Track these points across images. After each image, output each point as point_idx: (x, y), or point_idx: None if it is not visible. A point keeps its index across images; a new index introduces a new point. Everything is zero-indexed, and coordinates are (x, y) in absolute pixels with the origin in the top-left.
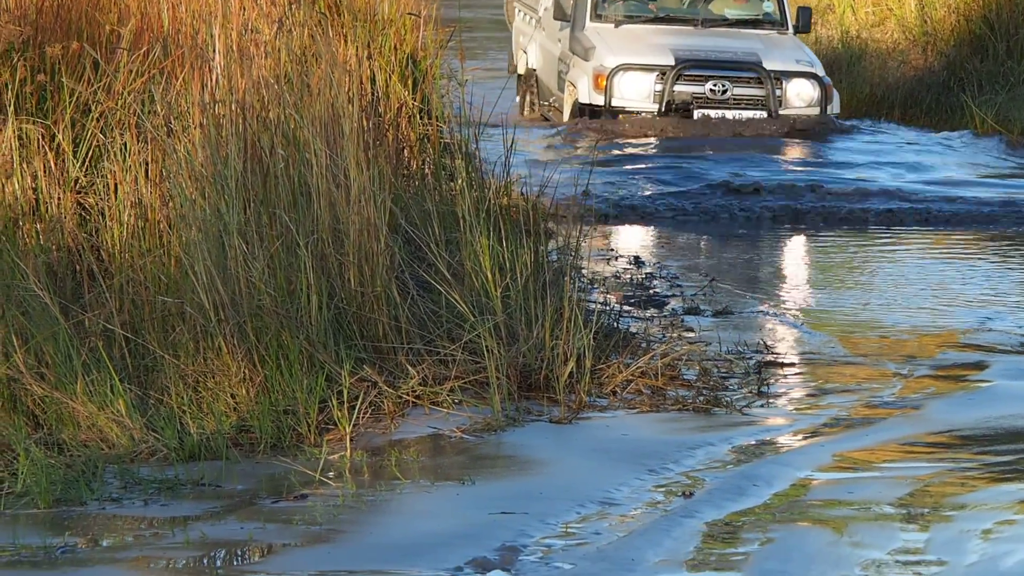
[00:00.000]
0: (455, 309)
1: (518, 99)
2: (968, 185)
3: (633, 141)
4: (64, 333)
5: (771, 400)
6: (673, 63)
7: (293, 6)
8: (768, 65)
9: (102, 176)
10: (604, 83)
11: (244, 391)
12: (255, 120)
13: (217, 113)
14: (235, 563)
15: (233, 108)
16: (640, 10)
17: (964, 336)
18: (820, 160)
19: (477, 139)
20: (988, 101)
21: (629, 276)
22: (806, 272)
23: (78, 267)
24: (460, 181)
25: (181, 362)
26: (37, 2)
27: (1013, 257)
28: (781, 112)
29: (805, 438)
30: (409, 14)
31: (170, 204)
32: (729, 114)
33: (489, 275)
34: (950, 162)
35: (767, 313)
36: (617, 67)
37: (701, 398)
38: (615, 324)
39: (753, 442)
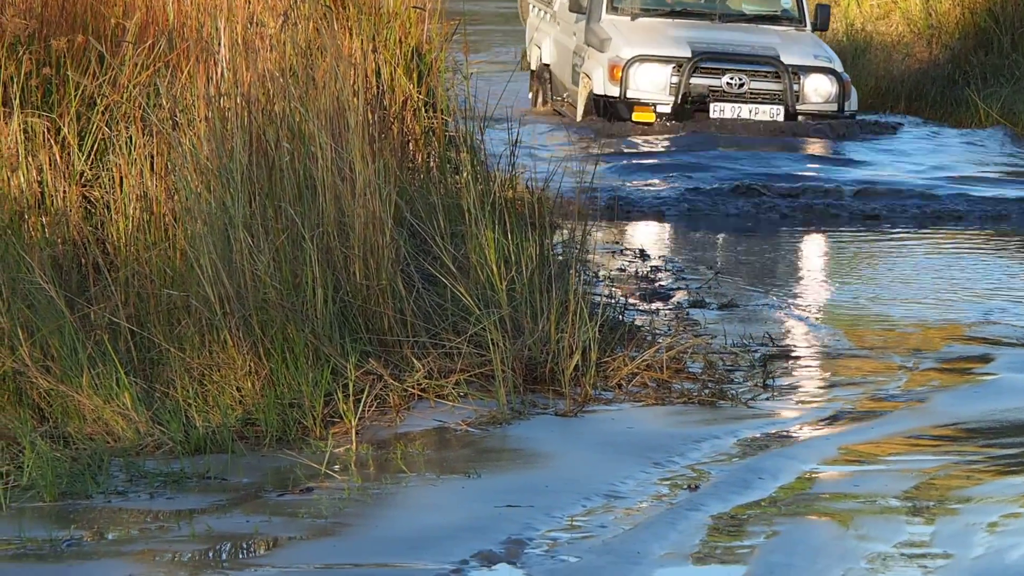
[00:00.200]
0: (460, 302)
1: (530, 95)
2: (978, 181)
3: (646, 137)
4: (70, 326)
5: (776, 393)
6: (690, 55)
7: None
8: (786, 59)
9: (107, 169)
10: (620, 74)
11: (250, 384)
12: (260, 113)
13: (222, 106)
14: (240, 556)
15: (238, 101)
16: (657, 3)
17: (970, 329)
18: (831, 157)
19: (483, 132)
20: (993, 94)
21: (635, 269)
22: (812, 266)
23: (83, 260)
24: (465, 174)
25: (186, 355)
26: None
27: (1021, 252)
28: (798, 107)
29: (811, 431)
30: (414, 7)
31: (175, 197)
32: (745, 109)
33: (494, 268)
34: (960, 158)
35: (773, 306)
36: (633, 58)
37: (706, 391)
38: (620, 317)
39: (758, 435)
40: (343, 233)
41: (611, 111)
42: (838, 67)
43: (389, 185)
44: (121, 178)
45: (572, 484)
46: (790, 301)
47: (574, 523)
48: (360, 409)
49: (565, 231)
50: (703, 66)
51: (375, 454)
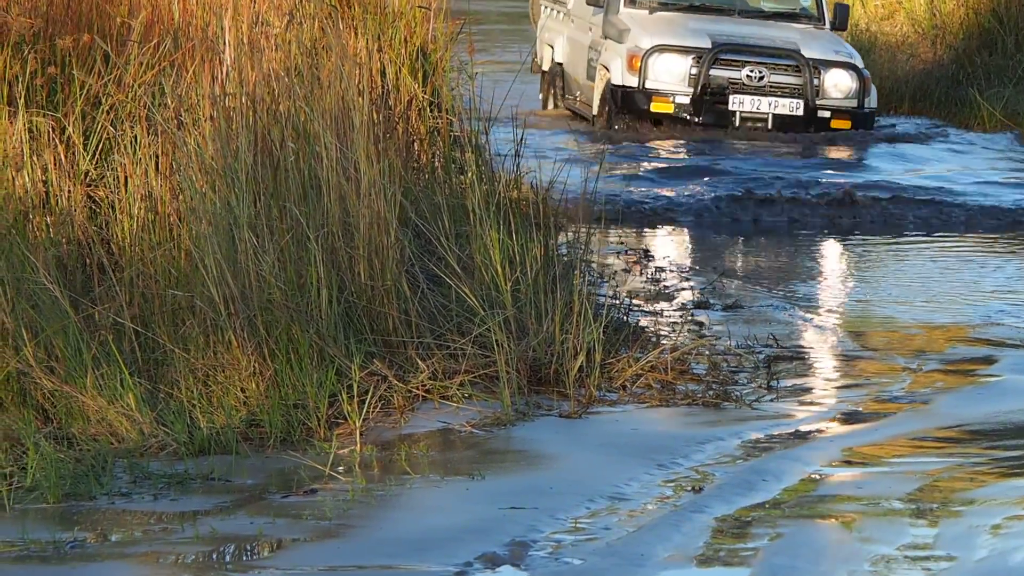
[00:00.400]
0: (465, 303)
1: (541, 96)
2: (981, 184)
3: (660, 137)
4: (74, 327)
5: (780, 395)
6: (710, 46)
7: None
8: (806, 53)
9: (112, 169)
10: (638, 64)
11: (254, 385)
12: (265, 113)
13: (227, 106)
14: (244, 558)
15: (243, 101)
16: None
17: (974, 331)
18: (842, 161)
19: (487, 132)
20: (996, 94)
21: (639, 270)
22: (817, 269)
23: (88, 260)
24: (470, 174)
25: (191, 356)
26: None
27: (1020, 252)
28: (818, 102)
29: (814, 433)
30: (419, 7)
31: (180, 197)
32: (765, 102)
33: (499, 269)
34: (965, 161)
35: (777, 308)
36: (652, 48)
37: (711, 392)
38: (625, 318)
39: (762, 437)
40: (348, 233)
41: (628, 102)
42: (859, 63)
43: (394, 185)
44: (126, 178)
45: (576, 486)
46: (794, 303)
47: (578, 525)
48: (364, 410)
49: (570, 232)
50: (723, 58)
51: (379, 455)
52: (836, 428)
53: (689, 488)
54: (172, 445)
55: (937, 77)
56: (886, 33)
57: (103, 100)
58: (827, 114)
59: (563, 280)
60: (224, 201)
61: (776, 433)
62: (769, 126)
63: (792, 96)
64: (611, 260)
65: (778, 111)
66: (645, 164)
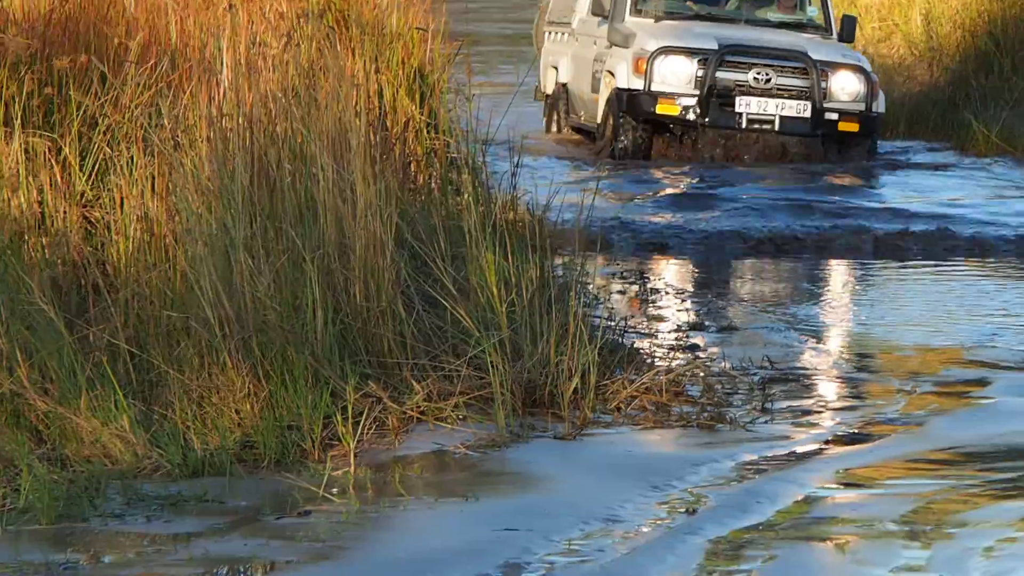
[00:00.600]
0: (460, 324)
1: (544, 121)
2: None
3: (664, 163)
4: (69, 348)
5: (775, 416)
6: (716, 48)
7: (301, 20)
8: (814, 55)
9: (108, 190)
10: (644, 67)
11: (248, 406)
12: (262, 134)
13: (224, 127)
14: None
15: (240, 122)
16: (681, 7)
17: (968, 353)
18: (842, 185)
19: (484, 153)
20: (993, 117)
21: (635, 292)
22: (812, 291)
23: (83, 281)
24: (466, 196)
25: (186, 377)
26: (45, 15)
27: (1018, 277)
28: (826, 104)
29: (809, 454)
30: (417, 28)
31: (176, 218)
32: (772, 104)
33: (494, 290)
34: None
35: (773, 329)
36: (658, 50)
37: (705, 414)
38: (620, 340)
39: (757, 458)
40: (344, 255)
41: (634, 105)
42: (867, 66)
43: (390, 207)
44: (122, 199)
45: (570, 508)
46: (790, 325)
47: (572, 547)
48: (359, 432)
49: (566, 255)
50: (729, 60)
51: (373, 477)
52: (830, 450)
53: (683, 510)
54: (166, 467)
55: (934, 100)
56: (883, 56)
57: (100, 121)
58: (835, 116)
59: (558, 302)
60: (220, 222)
61: (770, 455)
62: (776, 128)
63: (799, 98)
64: (607, 282)
65: (785, 113)
66: (646, 189)
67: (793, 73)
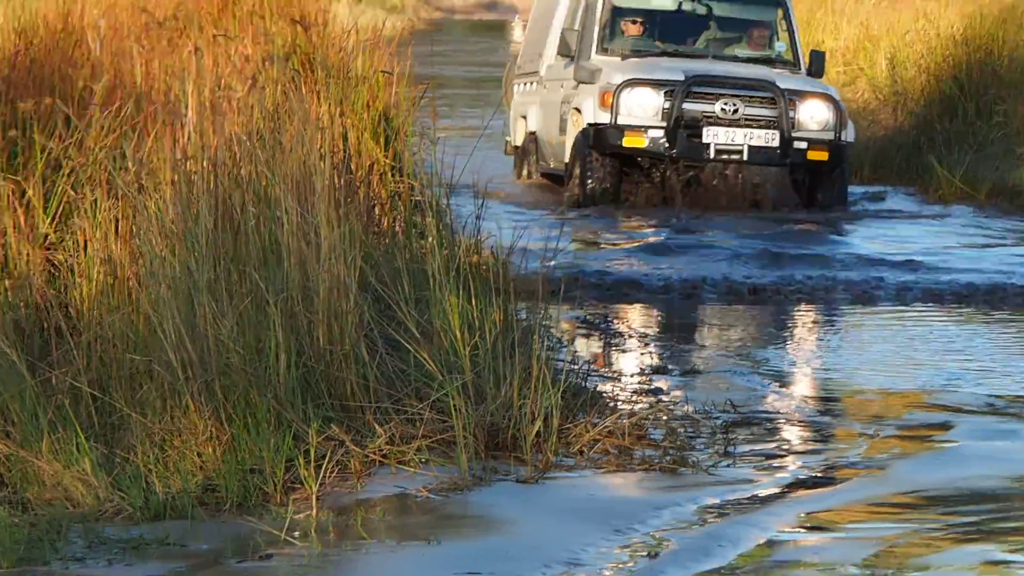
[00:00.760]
0: (423, 368)
1: (514, 170)
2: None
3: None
4: (31, 391)
5: (738, 460)
6: (683, 78)
7: (266, 63)
8: (782, 84)
9: (72, 233)
10: (610, 100)
11: (211, 450)
12: (227, 177)
13: (189, 170)
14: None
15: (205, 165)
16: (647, 46)
17: (930, 396)
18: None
19: (448, 197)
20: (957, 161)
21: (598, 336)
22: (776, 335)
23: (46, 324)
24: (431, 239)
25: (148, 420)
26: (10, 57)
27: (982, 322)
28: (794, 134)
29: (771, 498)
30: (382, 71)
31: (140, 261)
32: (740, 134)
33: (458, 334)
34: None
35: (736, 373)
36: (624, 82)
37: (668, 458)
38: (583, 383)
39: (719, 502)
40: (307, 298)
41: (601, 139)
42: (835, 95)
43: (354, 250)
44: (86, 242)
45: (533, 551)
46: (754, 368)
47: None
48: (321, 475)
49: (529, 300)
50: (696, 90)
51: (335, 520)
52: (793, 493)
53: (645, 553)
54: (128, 510)
55: (898, 144)
56: (848, 100)
57: (64, 164)
58: (803, 145)
59: (522, 345)
60: (184, 265)
61: (733, 498)
62: (745, 158)
63: (767, 128)
64: (570, 326)
65: (753, 143)
66: (613, 234)
67: (761, 103)
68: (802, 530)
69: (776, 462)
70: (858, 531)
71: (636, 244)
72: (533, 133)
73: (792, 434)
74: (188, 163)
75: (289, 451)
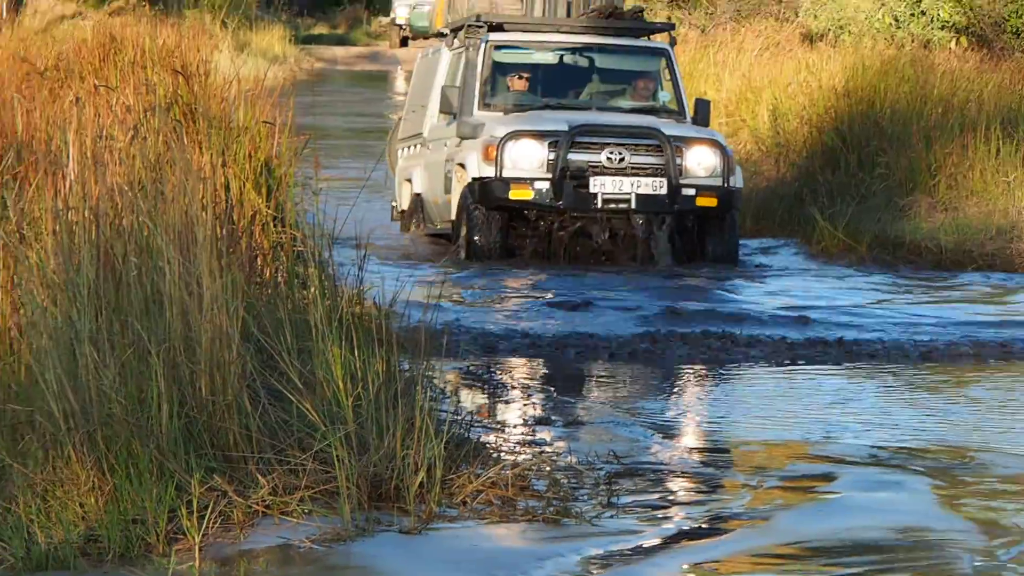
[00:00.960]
0: (306, 418)
1: (400, 228)
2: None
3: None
4: None
5: (621, 511)
6: (567, 129)
7: (148, 113)
8: (667, 131)
9: None
10: (494, 153)
11: (93, 500)
12: (108, 227)
13: (70, 220)
14: None
15: (86, 215)
16: (530, 100)
17: (813, 448)
18: (699, 288)
19: (331, 248)
20: (840, 212)
21: (482, 387)
22: (660, 388)
23: None
24: (313, 289)
25: (30, 470)
26: None
27: (867, 375)
28: (682, 180)
29: (655, 549)
30: (264, 122)
31: (21, 311)
32: (627, 182)
33: (340, 384)
34: (823, 285)
35: (619, 424)
36: (508, 135)
37: (551, 509)
38: (466, 434)
39: (602, 553)
40: (190, 348)
41: (487, 193)
42: (722, 140)
43: (237, 300)
44: None
45: None
46: (637, 420)
47: None
48: (204, 526)
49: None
50: (580, 140)
51: (218, 571)
52: (676, 544)
53: None
54: (9, 560)
55: (780, 195)
56: None
57: None
58: (692, 192)
59: (405, 396)
60: (66, 315)
61: (616, 549)
62: (633, 206)
63: (655, 175)
64: (454, 378)
65: (641, 191)
66: (496, 288)
67: (647, 151)
68: None
69: (660, 513)
70: None
71: (521, 298)
72: (419, 195)
73: (676, 485)
74: (70, 213)
75: (172, 501)
